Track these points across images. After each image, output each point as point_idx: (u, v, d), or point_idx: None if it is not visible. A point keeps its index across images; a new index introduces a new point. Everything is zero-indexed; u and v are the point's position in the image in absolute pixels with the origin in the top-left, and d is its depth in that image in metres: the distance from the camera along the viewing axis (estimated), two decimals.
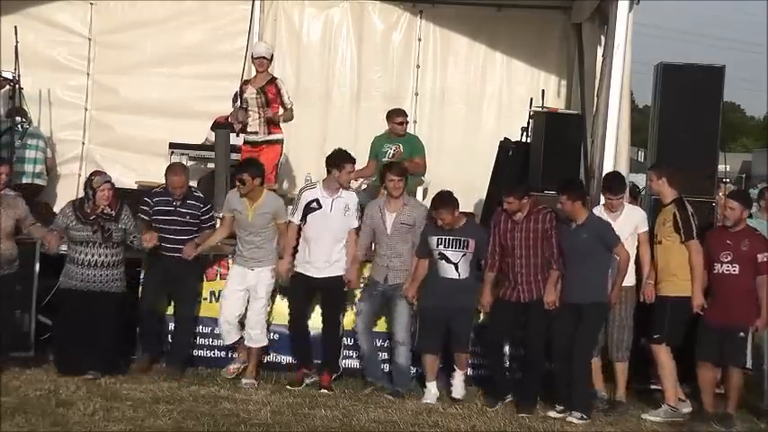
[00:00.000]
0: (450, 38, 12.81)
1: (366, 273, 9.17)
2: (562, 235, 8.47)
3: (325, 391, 8.70)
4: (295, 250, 8.99)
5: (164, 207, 9.01)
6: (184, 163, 10.94)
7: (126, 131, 12.35)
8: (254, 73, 10.82)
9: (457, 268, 8.65)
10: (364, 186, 10.89)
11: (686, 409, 8.55)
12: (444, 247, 8.63)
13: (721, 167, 9.96)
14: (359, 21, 12.79)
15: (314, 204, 8.84)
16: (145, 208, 9.06)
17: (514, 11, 12.56)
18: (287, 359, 9.28)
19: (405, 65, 12.82)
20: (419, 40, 12.81)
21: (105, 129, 12.52)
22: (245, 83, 10.43)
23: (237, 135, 10.63)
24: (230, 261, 9.28)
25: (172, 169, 9.13)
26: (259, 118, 10.13)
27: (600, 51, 11.00)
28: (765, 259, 8.34)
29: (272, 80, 10.26)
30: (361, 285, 9.17)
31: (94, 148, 12.50)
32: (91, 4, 12.47)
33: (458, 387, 8.78)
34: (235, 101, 10.37)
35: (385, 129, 10.74)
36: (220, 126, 10.79)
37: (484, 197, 11.01)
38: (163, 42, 12.48)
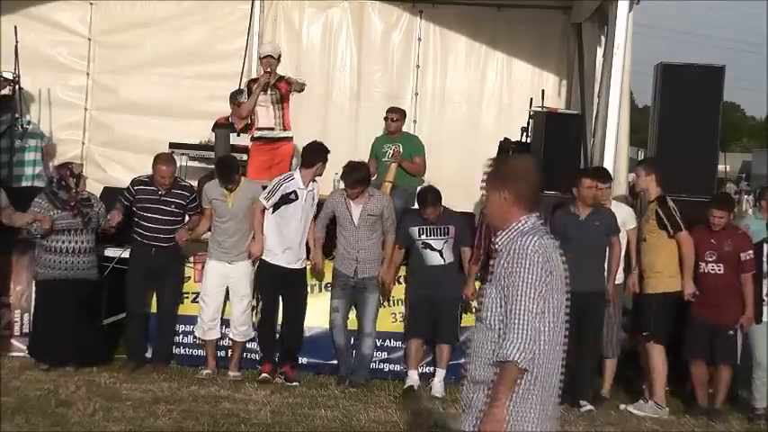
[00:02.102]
0: (450, 38, 12.80)
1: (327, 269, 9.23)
2: (571, 226, 8.55)
3: (290, 383, 8.78)
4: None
5: (148, 196, 9.01)
6: (184, 163, 10.95)
7: (126, 131, 12.35)
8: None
9: (442, 254, 8.88)
10: None
11: (663, 415, 8.58)
12: (427, 236, 8.86)
13: (721, 167, 9.97)
14: (359, 21, 12.78)
15: (292, 196, 8.85)
16: (127, 196, 9.10)
17: (514, 11, 12.56)
18: (302, 360, 9.25)
19: (405, 65, 12.81)
20: (419, 40, 12.80)
21: (105, 129, 12.53)
22: (252, 81, 10.41)
23: (238, 135, 10.64)
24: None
25: (160, 159, 9.10)
26: (275, 115, 10.18)
27: (600, 51, 11.01)
28: (748, 258, 8.43)
29: (281, 78, 10.28)
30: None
31: (94, 148, 12.51)
32: (91, 4, 12.47)
33: (437, 386, 8.84)
34: (239, 94, 10.44)
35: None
36: (221, 126, 10.80)
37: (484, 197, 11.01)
38: (163, 42, 12.47)
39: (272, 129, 10.11)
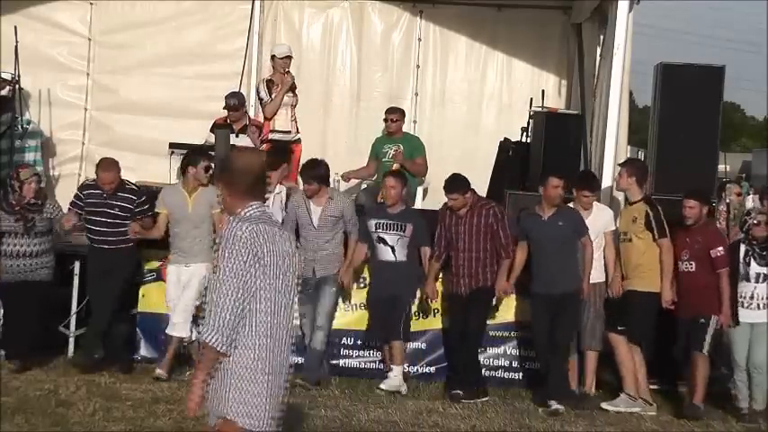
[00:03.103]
0: (450, 38, 12.81)
1: None
2: (535, 226, 8.63)
3: None
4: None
5: (94, 200, 9.01)
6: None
7: (126, 131, 12.34)
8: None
9: (394, 251, 8.84)
10: (364, 186, 10.90)
11: (651, 412, 8.60)
12: (383, 230, 8.86)
13: (721, 167, 9.95)
14: (359, 21, 12.78)
15: None
16: (77, 202, 9.09)
17: (514, 11, 12.56)
18: (301, 360, 9.09)
19: (405, 65, 12.81)
20: (419, 40, 12.80)
21: (105, 129, 12.52)
22: (269, 81, 10.46)
23: (237, 136, 10.65)
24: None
25: (101, 165, 9.11)
26: (291, 118, 10.18)
27: (599, 51, 11.01)
28: (719, 254, 8.41)
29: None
30: None
31: (94, 148, 12.48)
32: (91, 4, 12.47)
33: (395, 383, 8.80)
34: (230, 98, 10.44)
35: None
36: (220, 127, 10.81)
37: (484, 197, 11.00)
38: (163, 42, 12.48)
39: (289, 132, 10.14)
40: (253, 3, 12.32)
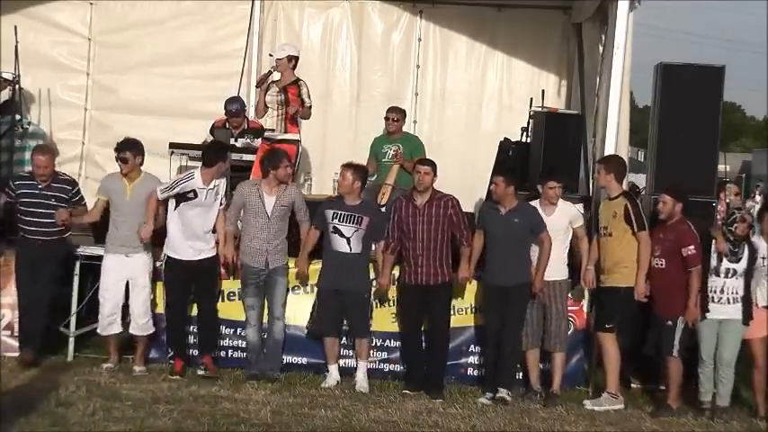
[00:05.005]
0: (450, 38, 12.83)
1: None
2: (492, 220, 8.75)
3: (209, 374, 8.80)
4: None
5: (28, 191, 8.98)
6: (184, 162, 10.95)
7: (126, 131, 12.21)
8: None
9: (349, 242, 8.87)
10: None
11: (619, 405, 8.65)
12: (339, 221, 8.88)
13: (721, 167, 9.94)
14: (359, 21, 12.81)
15: (191, 194, 8.84)
16: (10, 192, 9.04)
17: (514, 11, 12.59)
18: (301, 360, 9.25)
19: (405, 65, 12.84)
20: (419, 40, 12.83)
21: (105, 129, 12.53)
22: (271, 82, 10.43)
23: (236, 140, 10.66)
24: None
25: (36, 149, 9.16)
26: (278, 116, 10.16)
27: (600, 51, 11.01)
28: (690, 253, 8.44)
29: (296, 81, 10.23)
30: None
31: (94, 148, 12.52)
32: (91, 4, 12.50)
33: (361, 380, 8.86)
34: (230, 103, 10.47)
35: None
36: (219, 129, 10.83)
37: (484, 197, 11.01)
38: (163, 42, 12.50)
39: (273, 130, 10.12)
40: (252, 3, 12.35)
